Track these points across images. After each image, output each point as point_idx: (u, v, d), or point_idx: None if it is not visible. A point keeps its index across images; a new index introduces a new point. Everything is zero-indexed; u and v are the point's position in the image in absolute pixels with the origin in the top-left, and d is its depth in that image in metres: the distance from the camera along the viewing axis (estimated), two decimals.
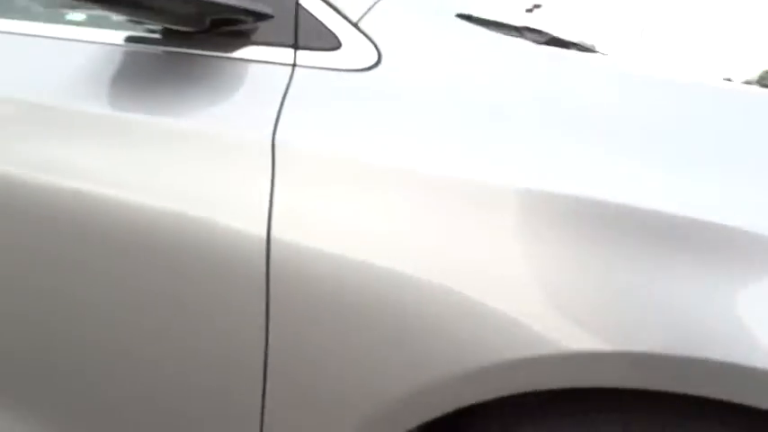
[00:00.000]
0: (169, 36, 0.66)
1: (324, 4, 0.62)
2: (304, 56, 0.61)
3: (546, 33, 0.78)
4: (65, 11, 0.73)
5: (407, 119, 0.56)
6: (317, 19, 0.61)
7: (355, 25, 0.60)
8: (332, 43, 0.60)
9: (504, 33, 0.73)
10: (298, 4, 0.62)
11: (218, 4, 0.60)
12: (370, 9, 0.61)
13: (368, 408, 0.53)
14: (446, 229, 0.51)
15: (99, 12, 0.66)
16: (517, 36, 0.74)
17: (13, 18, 0.77)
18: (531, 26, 0.79)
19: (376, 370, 0.53)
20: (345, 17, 0.61)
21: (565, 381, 0.47)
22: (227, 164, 0.59)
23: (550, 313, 0.47)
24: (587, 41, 0.96)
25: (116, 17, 0.66)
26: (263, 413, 0.57)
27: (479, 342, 0.49)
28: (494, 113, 0.54)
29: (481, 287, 0.49)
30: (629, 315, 0.46)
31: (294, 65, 0.60)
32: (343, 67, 0.59)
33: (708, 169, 0.48)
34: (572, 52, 0.66)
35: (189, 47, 0.65)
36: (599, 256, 0.47)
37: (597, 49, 0.99)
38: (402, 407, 0.52)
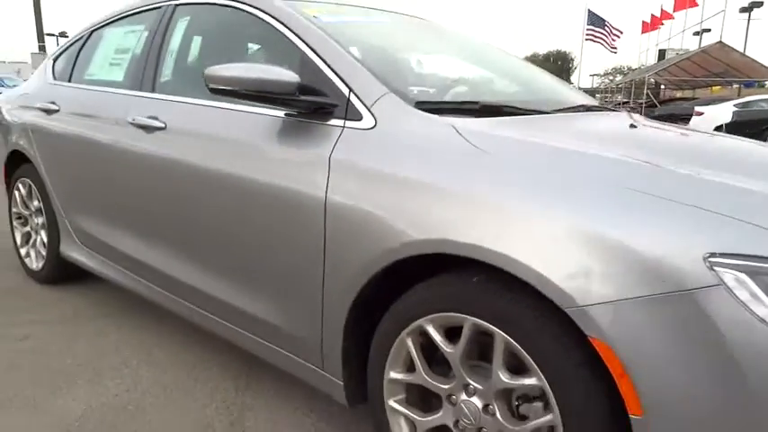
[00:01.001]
0: (299, 113, 1.55)
1: (359, 101, 1.45)
2: (348, 123, 1.45)
3: (478, 102, 1.53)
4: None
5: (383, 151, 1.36)
6: (354, 106, 1.45)
7: (368, 109, 1.43)
8: (359, 117, 1.44)
9: (453, 106, 1.51)
10: (349, 101, 1.47)
11: (317, 102, 1.48)
12: (376, 101, 1.43)
13: (366, 260, 1.34)
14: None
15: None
16: (458, 107, 1.52)
17: (226, 102, 1.73)
18: (468, 100, 1.54)
19: (367, 245, 1.34)
20: (366, 105, 1.44)
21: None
22: (310, 166, 1.45)
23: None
24: (517, 103, 1.64)
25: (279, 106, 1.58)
26: (324, 264, 1.43)
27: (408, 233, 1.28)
28: (395, 152, 1.33)
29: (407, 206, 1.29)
30: None
31: (343, 126, 1.45)
32: (361, 128, 1.42)
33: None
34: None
35: (306, 118, 1.53)
36: None
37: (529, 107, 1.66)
38: (377, 258, 1.32)
